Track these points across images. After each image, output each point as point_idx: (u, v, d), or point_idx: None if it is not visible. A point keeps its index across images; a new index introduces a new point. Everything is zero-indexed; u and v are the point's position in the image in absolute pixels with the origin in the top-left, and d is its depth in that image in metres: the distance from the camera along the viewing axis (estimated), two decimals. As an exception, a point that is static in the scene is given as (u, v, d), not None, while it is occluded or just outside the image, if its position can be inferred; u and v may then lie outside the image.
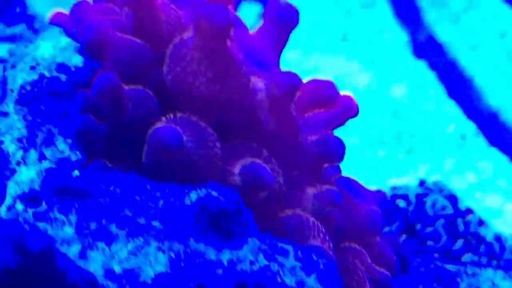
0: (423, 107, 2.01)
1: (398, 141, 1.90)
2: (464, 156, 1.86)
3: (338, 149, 0.78)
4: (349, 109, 0.82)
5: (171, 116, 0.77)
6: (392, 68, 2.10)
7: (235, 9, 0.90)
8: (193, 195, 0.69)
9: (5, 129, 0.78)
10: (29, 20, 0.99)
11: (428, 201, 1.29)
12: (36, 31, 0.95)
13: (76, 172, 0.72)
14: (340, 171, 0.85)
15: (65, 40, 0.82)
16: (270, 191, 0.74)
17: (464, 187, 1.77)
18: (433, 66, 2.13)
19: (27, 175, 0.73)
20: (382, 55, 2.12)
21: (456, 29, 2.20)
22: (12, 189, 0.72)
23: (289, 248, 0.69)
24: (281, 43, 0.88)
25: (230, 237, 0.67)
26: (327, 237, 0.74)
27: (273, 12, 0.87)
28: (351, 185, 0.82)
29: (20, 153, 0.76)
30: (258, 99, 0.79)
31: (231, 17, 0.78)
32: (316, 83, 0.82)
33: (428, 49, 2.14)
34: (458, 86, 2.04)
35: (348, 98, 0.83)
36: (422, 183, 1.32)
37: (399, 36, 2.20)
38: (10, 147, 0.77)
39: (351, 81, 2.07)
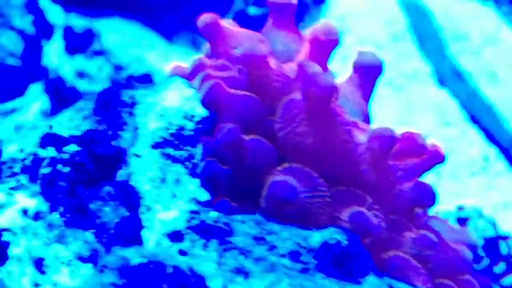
0: (448, 131, 2.13)
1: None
2: (488, 178, 1.98)
3: (431, 195, 0.90)
4: (437, 157, 0.93)
5: (286, 165, 0.88)
6: (418, 95, 2.22)
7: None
8: (318, 237, 0.80)
9: (139, 170, 0.88)
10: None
11: (471, 224, 1.39)
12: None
13: (213, 213, 0.83)
14: (428, 212, 0.96)
15: (189, 91, 0.93)
16: (376, 236, 0.85)
17: (489, 208, 1.89)
18: (456, 93, 2.25)
19: (168, 214, 0.83)
20: (409, 84, 2.24)
21: (477, 60, 2.33)
22: (156, 226, 0.82)
23: (403, 286, 0.80)
24: (369, 92, 1.00)
25: (352, 275, 0.78)
26: (428, 278, 0.85)
27: (361, 63, 0.99)
28: (440, 225, 0.93)
29: (154, 192, 0.87)
30: (360, 153, 0.90)
31: (334, 83, 0.89)
32: (408, 135, 0.94)
33: (452, 78, 2.26)
34: (481, 112, 2.16)
35: (436, 147, 0.94)
36: (460, 208, 1.43)
37: (424, 66, 2.32)
38: (145, 186, 0.87)
39: (378, 107, 2.18)
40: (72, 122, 1.01)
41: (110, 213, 0.97)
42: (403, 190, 0.90)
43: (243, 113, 0.90)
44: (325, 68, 0.95)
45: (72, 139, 1.00)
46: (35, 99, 1.66)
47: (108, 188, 0.97)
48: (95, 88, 1.69)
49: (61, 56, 1.71)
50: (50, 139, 1.00)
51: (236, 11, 2.24)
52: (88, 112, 1.01)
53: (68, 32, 1.74)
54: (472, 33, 2.43)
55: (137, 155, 0.89)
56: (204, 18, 0.98)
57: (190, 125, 0.91)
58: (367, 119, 0.99)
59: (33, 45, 1.71)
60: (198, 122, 0.90)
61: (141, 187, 0.87)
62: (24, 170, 0.99)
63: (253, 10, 2.26)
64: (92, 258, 0.93)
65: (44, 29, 1.74)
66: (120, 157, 0.98)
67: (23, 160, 0.99)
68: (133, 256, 0.73)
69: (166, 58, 2.07)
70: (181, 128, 0.90)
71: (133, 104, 1.00)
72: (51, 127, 1.01)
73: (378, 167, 0.90)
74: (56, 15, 1.79)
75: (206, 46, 0.99)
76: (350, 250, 0.79)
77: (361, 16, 2.47)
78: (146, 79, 1.67)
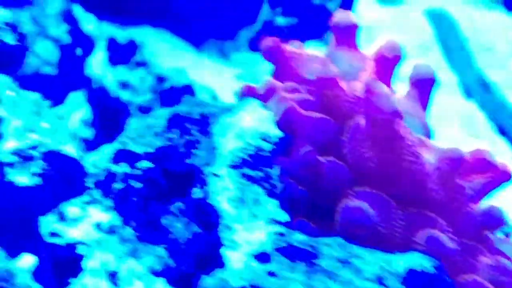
0: (476, 143, 2.16)
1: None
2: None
3: (501, 217, 0.92)
4: (505, 176, 0.96)
5: (359, 189, 0.91)
6: (446, 107, 2.25)
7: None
8: (402, 262, 0.83)
9: (218, 190, 0.91)
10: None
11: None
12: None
13: (298, 235, 0.86)
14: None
15: (264, 112, 0.96)
16: (452, 259, 0.88)
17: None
18: (483, 105, 2.28)
19: (253, 235, 0.86)
20: (436, 95, 2.27)
21: (504, 71, 2.35)
22: (241, 246, 0.85)
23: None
24: (427, 104, 1.03)
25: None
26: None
27: (418, 77, 1.02)
28: (509, 247, 0.96)
29: (234, 212, 0.89)
30: (427, 173, 0.93)
31: (398, 106, 0.92)
32: (476, 153, 0.96)
33: (479, 89, 2.29)
34: (509, 123, 2.19)
35: (504, 165, 0.96)
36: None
37: (451, 77, 2.35)
38: (225, 205, 0.90)
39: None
40: (143, 138, 1.03)
41: (182, 229, 0.99)
42: (473, 211, 0.93)
43: (318, 135, 0.92)
44: (389, 86, 0.98)
45: (144, 156, 1.02)
46: (76, 108, 1.68)
47: (180, 204, 1.00)
48: (138, 99, 1.71)
49: (104, 66, 1.74)
50: (123, 155, 1.03)
51: (263, 21, 2.26)
52: (159, 129, 1.04)
53: (111, 42, 1.76)
54: (498, 44, 2.46)
55: (215, 175, 0.92)
56: (267, 42, 1.01)
57: (266, 146, 0.93)
58: (428, 133, 1.02)
59: (69, 54, 1.73)
60: (274, 143, 0.93)
61: (220, 206, 0.90)
62: (98, 185, 1.01)
63: (281, 20, 2.28)
64: (164, 273, 0.96)
65: (80, 38, 1.76)
66: (193, 175, 1.01)
67: (97, 175, 1.01)
68: (232, 277, 0.75)
69: (197, 67, 2.09)
70: (258, 149, 0.93)
71: (205, 123, 1.03)
72: (124, 143, 1.03)
73: (447, 187, 0.92)
74: (91, 24, 1.82)
75: (273, 68, 1.02)
76: (436, 277, 0.82)
77: (387, 27, 2.50)
78: (187, 91, 1.70)
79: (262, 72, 2.11)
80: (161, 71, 1.78)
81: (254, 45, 2.19)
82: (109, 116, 1.63)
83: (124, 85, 1.73)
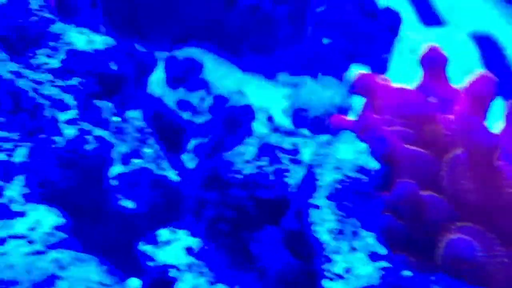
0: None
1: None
2: None
3: None
4: None
5: (461, 224, 0.91)
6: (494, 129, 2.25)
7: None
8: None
9: (318, 221, 0.91)
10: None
11: None
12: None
13: (406, 272, 0.86)
14: None
15: (361, 145, 0.96)
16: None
17: None
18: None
19: (359, 268, 0.86)
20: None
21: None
22: (345, 280, 0.86)
23: None
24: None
25: None
26: None
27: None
28: None
29: (333, 244, 0.90)
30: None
31: (496, 140, 0.93)
32: None
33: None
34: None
35: None
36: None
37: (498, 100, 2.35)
38: (323, 236, 0.90)
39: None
40: (233, 165, 1.04)
41: (273, 258, 1.00)
42: None
43: (418, 168, 0.93)
44: (484, 120, 0.99)
45: (235, 183, 1.03)
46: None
47: (271, 232, 1.01)
48: (198, 120, 1.72)
49: (163, 86, 1.75)
50: (214, 181, 1.03)
51: (310, 41, 2.27)
52: (249, 157, 1.05)
53: (171, 62, 1.78)
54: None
55: (314, 205, 0.92)
56: (359, 76, 1.02)
57: (365, 179, 0.94)
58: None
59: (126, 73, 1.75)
60: (372, 176, 0.94)
61: (319, 236, 0.90)
62: (189, 210, 1.02)
63: (326, 41, 2.29)
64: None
65: (138, 56, 1.78)
66: (285, 203, 1.01)
67: (189, 200, 1.03)
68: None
69: (244, 87, 2.10)
70: (357, 181, 0.93)
71: (295, 152, 1.04)
72: (215, 169, 1.04)
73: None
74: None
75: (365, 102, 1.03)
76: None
77: (432, 49, 2.50)
78: (248, 112, 1.71)
79: (310, 93, 2.12)
80: (219, 91, 1.79)
81: (300, 66, 2.20)
82: (169, 136, 1.64)
83: (184, 106, 1.74)
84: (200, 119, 1.73)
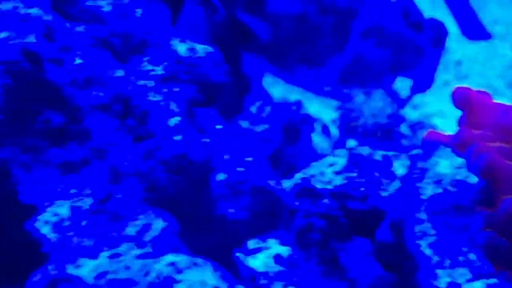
0: None
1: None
2: None
3: None
4: None
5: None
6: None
7: None
8: None
9: (418, 234, 0.91)
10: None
11: None
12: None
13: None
14: None
15: (459, 160, 0.96)
16: None
17: None
18: None
19: (467, 285, 0.86)
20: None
21: None
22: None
23: None
24: None
25: None
26: None
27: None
28: None
29: (436, 258, 0.89)
30: None
31: None
32: None
33: None
34: None
35: None
36: None
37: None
38: (426, 251, 0.90)
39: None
40: (324, 176, 1.04)
41: (365, 269, 0.99)
42: None
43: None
44: None
45: (325, 193, 1.03)
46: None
47: (362, 243, 1.00)
48: (257, 129, 1.72)
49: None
50: (305, 192, 1.03)
51: (355, 52, 2.27)
52: (339, 168, 1.04)
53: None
54: None
55: (420, 220, 0.92)
56: (459, 90, 1.02)
57: (466, 194, 0.93)
58: None
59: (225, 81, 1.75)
60: (473, 192, 0.93)
61: (421, 251, 0.90)
62: (281, 218, 1.02)
63: (371, 52, 2.29)
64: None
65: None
66: (376, 215, 1.01)
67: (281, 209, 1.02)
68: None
69: (290, 97, 2.10)
70: (458, 196, 0.93)
71: (387, 164, 1.03)
72: (305, 180, 1.04)
73: None
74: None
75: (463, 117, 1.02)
76: None
77: (477, 61, 2.50)
78: (308, 121, 1.71)
79: (360, 104, 2.12)
80: (276, 100, 1.79)
81: (345, 77, 2.20)
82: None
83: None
84: (258, 128, 1.73)
